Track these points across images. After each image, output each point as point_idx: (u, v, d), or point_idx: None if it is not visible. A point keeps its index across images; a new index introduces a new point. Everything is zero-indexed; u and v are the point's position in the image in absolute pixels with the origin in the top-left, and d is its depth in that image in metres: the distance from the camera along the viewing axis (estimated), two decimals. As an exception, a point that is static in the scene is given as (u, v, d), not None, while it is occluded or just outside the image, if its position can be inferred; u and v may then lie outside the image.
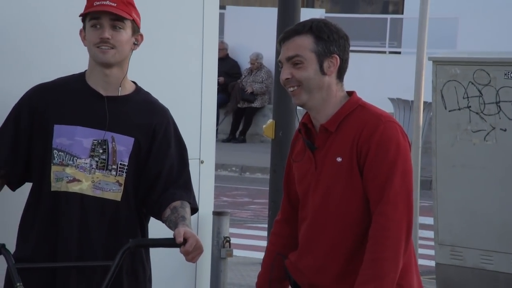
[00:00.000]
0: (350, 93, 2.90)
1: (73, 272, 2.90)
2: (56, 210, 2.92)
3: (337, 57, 2.84)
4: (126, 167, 2.93)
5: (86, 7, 2.95)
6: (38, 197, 2.95)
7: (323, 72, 2.84)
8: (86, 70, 3.01)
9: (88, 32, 2.93)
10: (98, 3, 2.92)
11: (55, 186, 2.92)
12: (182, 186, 2.97)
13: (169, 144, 2.97)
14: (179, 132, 3.04)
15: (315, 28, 2.83)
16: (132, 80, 3.03)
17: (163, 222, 2.97)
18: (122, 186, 2.93)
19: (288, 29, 2.87)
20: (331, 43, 2.83)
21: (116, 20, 2.93)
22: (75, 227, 2.91)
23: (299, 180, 2.90)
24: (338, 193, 2.83)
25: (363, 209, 2.82)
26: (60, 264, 2.90)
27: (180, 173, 2.98)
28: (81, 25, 3.01)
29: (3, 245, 2.86)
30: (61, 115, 2.93)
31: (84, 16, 2.95)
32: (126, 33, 2.94)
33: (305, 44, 2.82)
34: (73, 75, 3.02)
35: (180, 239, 2.78)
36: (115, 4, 2.93)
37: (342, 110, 2.84)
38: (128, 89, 3.00)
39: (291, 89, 2.85)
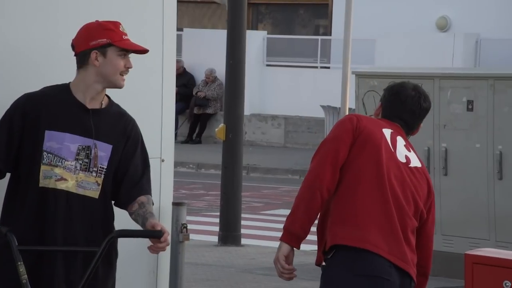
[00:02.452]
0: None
1: (59, 257, 2.90)
2: (43, 203, 2.91)
3: (380, 103, 3.17)
4: (104, 170, 2.95)
5: (117, 39, 2.95)
6: (24, 191, 2.93)
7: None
8: (70, 83, 2.99)
9: (115, 59, 2.94)
10: (125, 37, 2.97)
11: (43, 182, 2.92)
12: (145, 184, 2.99)
13: (135, 149, 3.00)
14: (143, 140, 3.07)
15: None
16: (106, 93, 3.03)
17: (129, 214, 2.97)
18: (100, 185, 2.95)
19: None
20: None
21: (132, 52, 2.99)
22: (61, 219, 2.91)
23: None
24: None
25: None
26: (53, 247, 2.91)
27: (144, 172, 3.01)
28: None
29: (9, 230, 2.85)
30: (52, 122, 2.93)
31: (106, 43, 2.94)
32: None
33: None
34: (57, 85, 3.00)
35: (165, 231, 2.83)
36: (131, 39, 2.99)
37: None
38: (105, 102, 3.02)
39: None
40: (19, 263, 2.80)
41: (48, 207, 2.90)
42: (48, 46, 3.18)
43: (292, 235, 2.83)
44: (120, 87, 2.99)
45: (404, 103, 3.09)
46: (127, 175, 2.96)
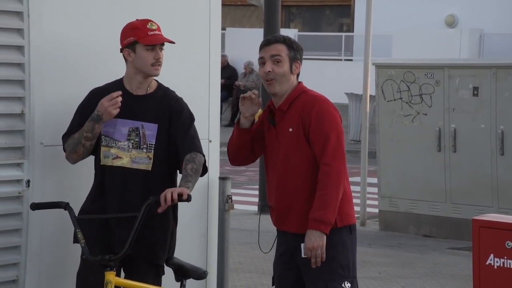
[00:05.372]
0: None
1: (123, 221, 2.97)
2: (103, 178, 3.01)
3: (299, 63, 3.01)
4: (153, 146, 3.01)
5: (142, 36, 2.97)
6: (95, 170, 3.06)
7: (291, 72, 2.99)
8: (123, 77, 3.06)
9: (144, 53, 2.98)
10: (152, 32, 2.98)
11: (103, 161, 3.02)
12: (188, 144, 2.99)
13: (179, 117, 3.03)
14: (191, 112, 3.08)
15: (288, 40, 3.01)
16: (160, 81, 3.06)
17: None
18: (151, 159, 3.00)
19: (268, 38, 3.05)
20: (297, 52, 3.00)
21: (163, 44, 3.00)
22: (118, 190, 2.99)
23: (267, 145, 3.02)
24: (292, 154, 2.94)
25: (310, 164, 2.92)
26: (104, 216, 2.99)
27: (186, 134, 3.01)
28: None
29: (67, 203, 2.94)
30: None
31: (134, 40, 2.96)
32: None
33: (282, 49, 2.97)
34: (116, 80, 3.08)
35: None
36: (161, 32, 3.00)
37: (291, 95, 2.99)
38: (153, 87, 3.07)
39: (269, 81, 2.98)
40: (77, 230, 2.87)
41: (107, 182, 2.99)
42: (113, 44, 3.22)
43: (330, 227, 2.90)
44: (155, 75, 3.03)
45: None
46: (176, 142, 3.01)
